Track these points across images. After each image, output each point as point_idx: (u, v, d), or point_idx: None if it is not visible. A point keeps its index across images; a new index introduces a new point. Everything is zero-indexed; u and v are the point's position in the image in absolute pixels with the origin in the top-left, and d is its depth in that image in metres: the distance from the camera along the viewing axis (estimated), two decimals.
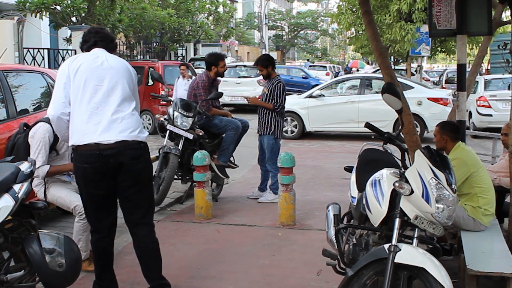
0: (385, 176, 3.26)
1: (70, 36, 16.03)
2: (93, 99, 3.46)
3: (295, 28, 50.57)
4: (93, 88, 3.47)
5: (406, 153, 3.27)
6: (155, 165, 6.49)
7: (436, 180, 2.99)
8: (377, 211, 3.19)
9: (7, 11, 16.80)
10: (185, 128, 6.32)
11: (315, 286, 4.18)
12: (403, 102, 4.02)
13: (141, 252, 3.76)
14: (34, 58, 14.48)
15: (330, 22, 20.21)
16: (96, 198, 3.58)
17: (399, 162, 3.33)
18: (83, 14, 15.74)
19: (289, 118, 12.37)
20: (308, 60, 52.38)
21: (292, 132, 12.65)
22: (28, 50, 14.45)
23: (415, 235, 3.10)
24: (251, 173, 8.12)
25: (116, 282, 3.84)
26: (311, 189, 7.42)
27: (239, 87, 18.12)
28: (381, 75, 9.17)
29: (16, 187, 3.17)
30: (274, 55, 42.02)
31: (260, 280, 4.30)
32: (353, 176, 3.88)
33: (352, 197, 3.78)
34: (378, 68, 10.06)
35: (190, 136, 6.33)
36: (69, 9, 15.48)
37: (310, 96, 12.77)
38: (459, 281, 3.86)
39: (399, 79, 8.51)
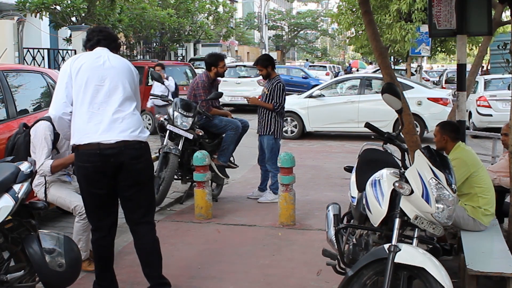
0: (385, 176, 3.26)
1: (70, 36, 16.03)
2: (94, 99, 3.47)
3: (295, 28, 50.58)
4: (94, 87, 3.48)
5: (406, 153, 3.28)
6: (155, 165, 6.50)
7: (436, 180, 2.99)
8: (377, 211, 3.19)
9: (7, 11, 16.80)
10: (185, 128, 6.31)
11: (315, 286, 4.18)
12: (403, 102, 4.02)
13: (142, 250, 3.77)
14: (34, 58, 14.48)
15: (330, 22, 20.21)
16: (96, 197, 3.58)
17: (399, 162, 3.34)
18: (83, 14, 15.75)
19: (289, 118, 12.37)
20: (307, 60, 52.38)
21: (292, 132, 12.65)
22: (28, 50, 14.45)
23: (415, 235, 3.10)
24: (251, 173, 8.12)
25: (116, 282, 3.84)
26: (311, 189, 7.42)
27: (239, 87, 18.12)
28: (381, 75, 9.17)
29: (16, 187, 3.17)
30: (274, 55, 42.03)
31: (260, 280, 4.30)
32: (353, 176, 3.88)
33: (352, 197, 3.78)
34: (378, 68, 10.06)
35: (190, 136, 6.33)
36: (69, 9, 15.48)
37: (310, 96, 12.78)
38: (459, 281, 3.86)
39: (399, 79, 8.52)
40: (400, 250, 2.94)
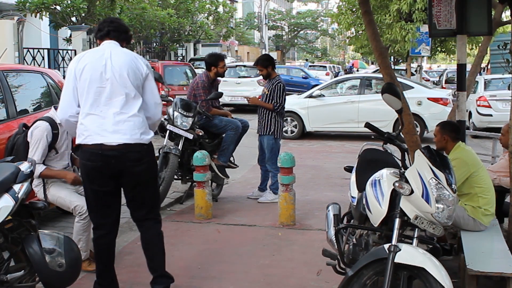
0: (385, 176, 3.26)
1: (70, 36, 16.03)
2: (96, 101, 3.48)
3: (295, 28, 50.57)
4: (96, 90, 3.48)
5: (406, 153, 3.28)
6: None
7: (436, 180, 2.99)
8: (377, 211, 3.19)
9: (7, 11, 16.80)
10: (185, 128, 6.31)
11: (315, 286, 4.18)
12: (403, 102, 4.02)
13: (146, 243, 3.81)
14: (34, 58, 14.47)
15: (330, 22, 20.24)
16: (99, 194, 3.62)
17: (399, 162, 3.34)
18: (83, 14, 15.74)
19: (289, 118, 12.37)
20: (307, 60, 52.36)
21: (292, 132, 12.65)
22: (28, 50, 14.44)
23: (415, 235, 3.10)
24: (251, 173, 8.12)
25: (116, 281, 3.84)
26: (311, 189, 7.42)
27: (239, 87, 18.11)
28: (381, 75, 9.17)
29: (16, 187, 3.17)
30: (274, 55, 42.02)
31: (260, 280, 4.30)
32: (353, 176, 3.88)
33: (352, 197, 3.78)
34: (378, 68, 10.08)
35: (190, 136, 6.33)
36: (69, 9, 15.47)
37: (310, 96, 12.78)
38: (459, 281, 3.86)
39: (399, 79, 8.52)
40: (400, 250, 2.94)
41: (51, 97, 6.10)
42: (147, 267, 3.85)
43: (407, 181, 3.06)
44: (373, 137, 4.22)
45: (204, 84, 6.63)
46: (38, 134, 4.16)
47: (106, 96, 3.48)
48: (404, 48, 16.33)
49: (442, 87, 21.08)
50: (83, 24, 15.99)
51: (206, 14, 26.55)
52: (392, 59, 22.34)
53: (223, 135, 6.75)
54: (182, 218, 5.97)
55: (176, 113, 6.36)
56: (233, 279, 4.31)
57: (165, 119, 6.58)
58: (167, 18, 21.38)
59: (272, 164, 6.53)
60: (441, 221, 3.00)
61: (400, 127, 3.46)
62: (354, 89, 13.04)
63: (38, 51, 14.86)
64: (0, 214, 3.05)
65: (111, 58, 3.52)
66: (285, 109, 6.82)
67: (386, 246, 3.00)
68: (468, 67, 7.82)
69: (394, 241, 3.01)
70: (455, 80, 6.78)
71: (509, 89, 13.18)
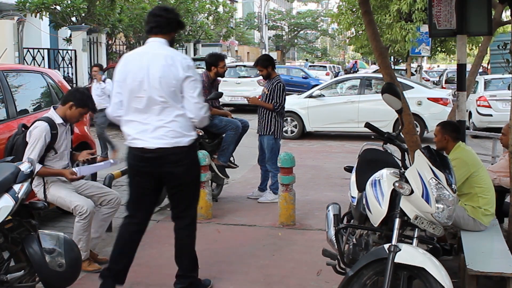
0: (385, 176, 3.26)
1: (70, 36, 16.04)
2: (137, 109, 3.67)
3: (295, 28, 50.56)
4: (136, 99, 3.65)
5: (406, 153, 3.28)
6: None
7: (436, 180, 2.99)
8: (377, 211, 3.19)
9: (7, 11, 16.80)
10: None
11: (315, 286, 4.18)
12: (403, 102, 4.02)
13: (175, 241, 3.97)
14: (34, 58, 14.49)
15: (330, 22, 20.22)
16: (139, 190, 3.85)
17: (399, 162, 3.34)
18: (83, 14, 15.75)
19: (289, 118, 12.37)
20: (307, 60, 52.34)
21: (292, 132, 12.65)
22: (28, 50, 14.46)
23: (415, 235, 3.10)
24: (251, 173, 8.12)
25: (125, 275, 3.88)
26: (311, 189, 7.41)
27: (239, 87, 18.11)
28: (381, 75, 9.17)
29: (16, 187, 3.17)
30: (274, 55, 42.03)
31: (260, 280, 4.30)
32: (353, 176, 3.88)
33: (352, 197, 3.78)
34: (378, 68, 10.07)
35: None
36: (69, 9, 15.49)
37: (310, 96, 12.77)
38: (459, 281, 3.86)
39: (399, 79, 8.52)
40: (400, 250, 2.95)
41: (51, 97, 6.10)
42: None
43: (407, 181, 3.07)
44: (373, 137, 4.21)
45: (204, 84, 6.61)
46: (37, 134, 4.16)
47: (145, 105, 3.63)
48: (404, 48, 16.33)
49: (442, 87, 21.08)
50: (83, 24, 16.00)
51: (206, 14, 26.56)
52: (392, 59, 22.33)
53: (223, 135, 6.74)
54: None
55: None
56: (233, 279, 4.31)
57: None
58: None
59: (272, 164, 6.53)
60: (441, 221, 3.00)
61: (400, 127, 3.46)
62: (354, 89, 13.04)
63: (38, 51, 14.88)
64: (0, 214, 3.05)
65: (149, 68, 3.62)
66: (285, 109, 6.81)
67: (386, 246, 3.00)
68: (468, 67, 7.83)
69: (394, 241, 3.01)
70: (455, 80, 6.78)
71: (509, 89, 13.18)
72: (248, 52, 44.13)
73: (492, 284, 4.00)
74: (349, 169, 4.18)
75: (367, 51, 23.64)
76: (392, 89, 3.29)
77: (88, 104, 4.38)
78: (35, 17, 15.06)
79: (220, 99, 6.97)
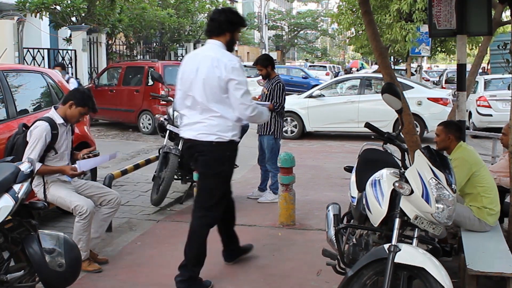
0: (385, 176, 3.26)
1: (70, 36, 16.03)
2: (187, 106, 4.06)
3: (295, 28, 50.55)
4: (187, 97, 4.05)
5: (406, 153, 3.28)
6: (155, 165, 6.50)
7: (436, 180, 2.99)
8: (377, 211, 3.19)
9: (7, 11, 16.79)
10: None
11: (315, 286, 4.18)
12: (403, 102, 4.02)
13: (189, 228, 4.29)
14: (34, 58, 14.48)
15: (330, 22, 20.22)
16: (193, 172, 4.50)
17: (399, 162, 3.34)
18: (83, 14, 15.74)
19: (289, 118, 12.37)
20: (307, 60, 52.32)
21: (292, 132, 12.64)
22: (28, 50, 14.45)
23: (415, 235, 3.10)
24: (251, 173, 8.11)
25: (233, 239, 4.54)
26: (311, 189, 7.41)
27: None
28: (381, 75, 9.17)
29: (16, 187, 3.17)
30: (274, 55, 42.02)
31: (260, 280, 4.30)
32: (353, 176, 3.88)
33: (352, 197, 3.78)
34: (378, 68, 10.06)
35: None
36: (69, 9, 15.48)
37: (310, 96, 12.77)
38: (459, 281, 3.86)
39: (399, 79, 8.52)
40: (400, 250, 2.94)
41: (51, 97, 6.10)
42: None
43: (407, 181, 3.06)
44: (373, 137, 4.22)
45: None
46: (37, 134, 4.16)
47: (192, 103, 4.02)
48: (404, 48, 16.34)
49: (442, 87, 21.08)
50: (83, 24, 15.99)
51: (206, 14, 26.53)
52: (392, 59, 22.34)
53: None
54: (182, 218, 5.96)
55: (176, 113, 6.36)
56: (233, 279, 4.31)
57: (165, 119, 6.59)
58: (167, 18, 21.38)
59: (272, 164, 6.53)
60: (441, 221, 3.00)
61: (400, 127, 3.46)
62: (354, 89, 13.03)
63: (38, 51, 14.87)
64: (0, 214, 3.05)
65: (198, 70, 3.95)
66: (285, 109, 6.81)
67: (386, 246, 3.00)
68: (468, 67, 7.83)
69: (394, 241, 3.01)
70: (455, 80, 6.78)
71: (509, 89, 13.18)
72: (248, 52, 44.13)
73: (492, 284, 4.00)
74: (349, 169, 4.18)
75: (367, 51, 23.64)
76: (392, 89, 3.29)
77: (88, 104, 4.37)
78: (35, 17, 15.05)
79: None
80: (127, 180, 7.62)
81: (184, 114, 4.13)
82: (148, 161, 6.68)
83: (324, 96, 12.81)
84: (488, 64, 20.98)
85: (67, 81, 9.74)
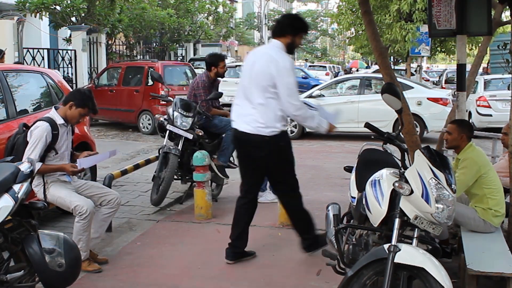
0: (385, 176, 3.26)
1: (70, 36, 16.03)
2: (241, 97, 4.37)
3: None
4: (243, 88, 4.36)
5: (406, 153, 3.28)
6: (155, 165, 6.50)
7: (435, 180, 2.99)
8: (377, 211, 3.19)
9: (7, 11, 16.81)
10: (184, 128, 6.31)
11: (315, 286, 4.18)
12: (403, 102, 4.02)
13: (284, 207, 4.84)
14: (34, 58, 14.48)
15: (330, 22, 20.22)
16: (242, 166, 4.61)
17: (399, 162, 3.34)
18: (83, 14, 15.75)
19: (289, 118, 12.31)
20: (306, 60, 52.27)
21: (292, 132, 12.63)
22: (28, 50, 14.45)
23: (415, 235, 3.10)
24: None
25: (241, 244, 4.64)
26: (311, 189, 7.40)
27: None
28: (380, 75, 9.17)
29: (16, 187, 3.17)
30: None
31: (260, 280, 4.30)
32: (353, 176, 3.88)
33: (352, 197, 3.78)
34: (378, 68, 10.05)
35: (190, 136, 6.33)
36: (69, 9, 15.49)
37: (310, 96, 12.76)
38: (459, 281, 3.86)
39: (399, 79, 8.51)
40: (400, 250, 2.94)
41: (51, 97, 6.10)
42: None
43: (407, 181, 3.06)
44: (373, 137, 4.21)
45: (204, 84, 6.62)
46: (38, 134, 4.15)
47: (245, 93, 4.33)
48: (404, 48, 16.33)
49: (442, 87, 21.08)
50: (83, 24, 15.99)
51: (206, 14, 26.56)
52: (392, 59, 22.33)
53: (223, 135, 6.74)
54: (182, 218, 5.97)
55: (176, 113, 6.36)
56: (233, 279, 4.31)
57: (165, 119, 6.58)
58: (167, 18, 21.39)
59: None
60: (441, 221, 3.00)
61: (400, 127, 3.47)
62: (354, 89, 13.03)
63: (38, 51, 14.87)
64: (0, 214, 3.05)
65: (254, 64, 4.29)
66: None
67: (386, 246, 3.00)
68: (468, 67, 7.82)
69: (394, 241, 3.01)
70: (455, 80, 6.78)
71: (509, 89, 13.18)
72: (247, 52, 44.07)
73: (492, 284, 4.00)
74: (349, 169, 4.18)
75: (367, 51, 23.64)
76: (392, 89, 3.29)
77: (88, 105, 4.36)
78: (35, 17, 15.05)
79: (220, 99, 6.98)
80: (127, 180, 7.62)
81: (237, 104, 4.42)
82: (148, 161, 6.68)
83: (324, 96, 12.80)
84: (488, 64, 20.96)
85: None
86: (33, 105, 5.92)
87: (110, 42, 18.98)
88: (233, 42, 39.71)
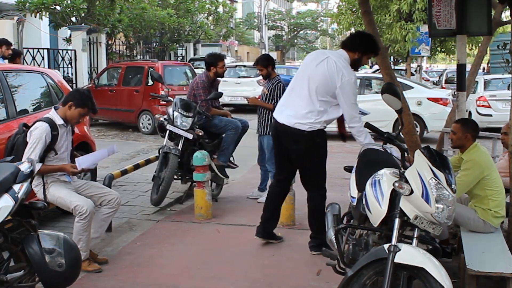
0: (385, 176, 3.26)
1: (70, 36, 16.03)
2: (290, 92, 4.63)
3: (295, 28, 50.53)
4: (295, 85, 4.59)
5: (406, 153, 3.27)
6: (155, 165, 6.51)
7: (435, 180, 2.99)
8: (377, 211, 3.19)
9: (7, 11, 16.80)
10: (184, 128, 6.31)
11: (315, 286, 4.18)
12: (403, 102, 4.02)
13: (307, 204, 4.98)
14: (34, 58, 14.48)
15: (330, 22, 20.23)
16: (277, 154, 4.88)
17: (399, 162, 3.33)
18: (83, 14, 15.75)
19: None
20: None
21: None
22: (28, 50, 14.44)
23: (415, 235, 3.10)
24: (251, 173, 8.11)
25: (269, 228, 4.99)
26: None
27: (239, 87, 18.09)
28: (380, 75, 9.17)
29: (16, 187, 3.17)
30: (274, 55, 41.99)
31: (260, 280, 4.30)
32: (353, 176, 3.88)
33: (352, 197, 3.78)
34: (378, 68, 10.06)
35: (190, 136, 6.33)
36: (69, 9, 15.48)
37: None
38: (459, 281, 3.86)
39: (399, 79, 8.51)
40: (400, 250, 2.94)
41: (51, 97, 6.10)
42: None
43: (407, 181, 3.06)
44: (373, 137, 4.21)
45: (204, 84, 6.62)
46: (37, 135, 4.15)
47: (296, 88, 4.57)
48: (404, 48, 16.32)
49: (442, 87, 21.08)
50: (83, 24, 15.99)
51: (206, 14, 26.55)
52: (392, 59, 22.32)
53: (223, 135, 6.74)
54: (182, 218, 5.97)
55: (176, 113, 6.36)
56: (233, 279, 4.31)
57: (164, 119, 6.59)
58: (167, 18, 21.39)
59: (272, 164, 6.51)
60: (441, 221, 3.00)
61: (400, 127, 3.47)
62: None
63: (38, 51, 14.86)
64: (0, 214, 3.05)
65: (318, 67, 4.43)
66: None
67: (386, 246, 3.00)
68: (468, 67, 7.83)
69: (394, 241, 3.01)
70: (455, 80, 6.78)
71: (509, 89, 13.18)
72: (248, 52, 44.13)
73: (492, 284, 4.00)
74: (349, 169, 4.18)
75: None
76: (392, 89, 3.29)
77: (87, 105, 4.36)
78: (35, 17, 15.04)
79: (220, 99, 6.98)
80: (127, 180, 7.62)
81: (286, 96, 4.65)
82: (148, 161, 6.68)
83: None
84: (487, 64, 20.96)
85: None
86: (33, 105, 5.91)
87: (110, 42, 18.97)
88: (233, 42, 39.71)
